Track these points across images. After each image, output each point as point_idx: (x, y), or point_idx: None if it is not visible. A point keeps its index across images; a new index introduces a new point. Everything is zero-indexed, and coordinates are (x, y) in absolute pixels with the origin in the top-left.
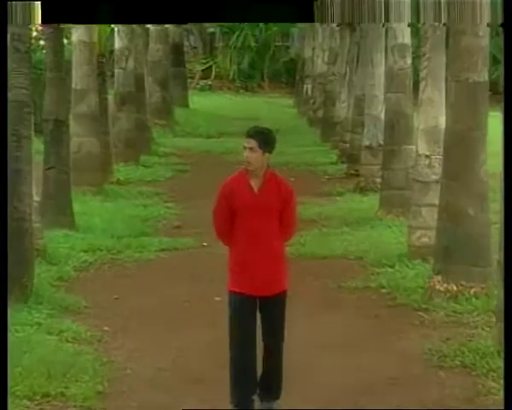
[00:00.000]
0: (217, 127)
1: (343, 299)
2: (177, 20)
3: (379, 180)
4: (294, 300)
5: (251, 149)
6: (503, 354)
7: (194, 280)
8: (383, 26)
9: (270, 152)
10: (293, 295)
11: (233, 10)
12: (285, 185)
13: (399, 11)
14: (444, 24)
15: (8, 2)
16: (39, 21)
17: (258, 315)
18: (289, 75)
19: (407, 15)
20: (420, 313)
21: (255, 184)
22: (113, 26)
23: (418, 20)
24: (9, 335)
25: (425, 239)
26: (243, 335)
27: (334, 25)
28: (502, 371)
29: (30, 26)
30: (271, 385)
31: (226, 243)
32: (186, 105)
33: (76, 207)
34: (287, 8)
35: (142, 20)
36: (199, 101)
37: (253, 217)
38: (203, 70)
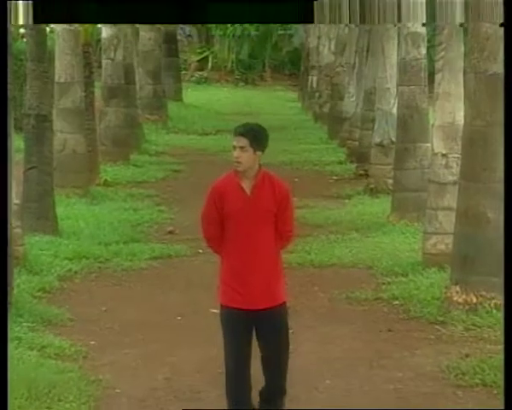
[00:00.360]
0: (213, 123)
1: (352, 311)
2: (171, 20)
3: (391, 181)
4: (299, 312)
5: (241, 148)
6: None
7: (190, 291)
8: (395, 25)
9: (262, 151)
10: (298, 306)
11: (227, 11)
12: (280, 185)
13: (413, 10)
14: (461, 24)
15: (8, 2)
16: (30, 21)
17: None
18: (293, 66)
19: (421, 15)
20: (436, 327)
21: (247, 185)
22: None
23: (434, 20)
24: None
25: (441, 246)
26: (238, 351)
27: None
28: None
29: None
30: (274, 399)
31: (216, 251)
32: (180, 99)
33: (60, 210)
34: (286, 7)
35: (133, 20)
36: (194, 94)
37: (245, 222)
38: (199, 61)
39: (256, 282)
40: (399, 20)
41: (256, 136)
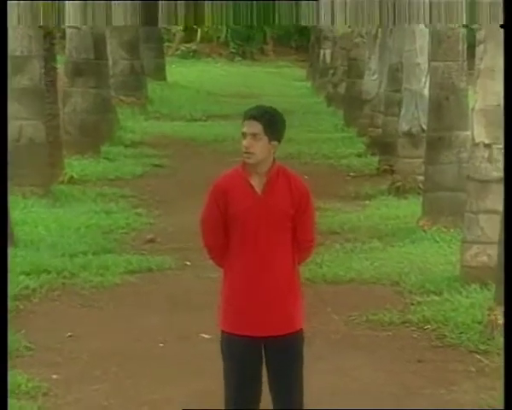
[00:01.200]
0: (204, 107)
1: (373, 337)
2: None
3: (421, 178)
4: (309, 338)
5: (254, 135)
6: None
7: (174, 312)
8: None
9: (278, 141)
10: (308, 332)
11: None
12: (299, 184)
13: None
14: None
15: (8, 2)
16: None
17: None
18: (300, 37)
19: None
20: (477, 357)
21: (258, 183)
22: None
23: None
24: None
25: (483, 257)
26: (243, 388)
27: None
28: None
29: None
30: None
31: (219, 264)
32: (162, 77)
33: (14, 214)
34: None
35: None
36: (180, 71)
37: (255, 228)
38: (185, 30)
39: (268, 303)
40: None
41: (272, 121)
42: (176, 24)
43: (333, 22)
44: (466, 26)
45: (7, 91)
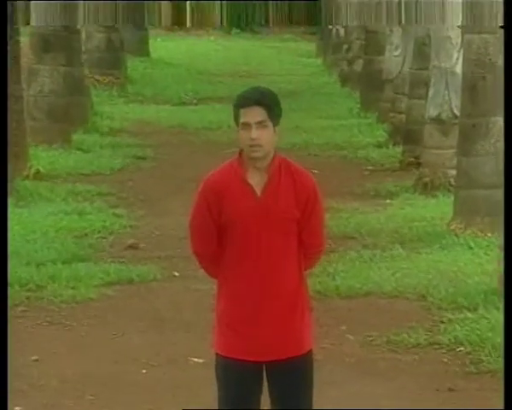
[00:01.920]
0: (195, 88)
1: (395, 361)
2: None
3: (453, 173)
4: (320, 362)
5: (260, 124)
6: None
7: (160, 331)
8: None
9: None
10: (319, 354)
11: None
12: (305, 180)
13: None
14: None
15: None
16: None
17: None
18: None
19: None
20: None
21: (257, 180)
22: None
23: None
24: None
25: None
26: None
27: None
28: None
29: None
30: None
31: (211, 275)
32: (145, 53)
33: None
34: None
35: None
36: (166, 46)
37: (254, 235)
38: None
39: (271, 321)
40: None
41: (275, 103)
42: None
43: None
44: None
45: (7, 91)
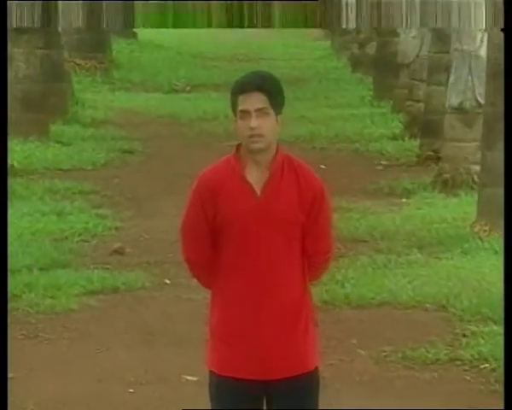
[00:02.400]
0: (188, 74)
1: (413, 380)
2: None
3: (477, 168)
4: (328, 380)
5: (260, 111)
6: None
7: (149, 346)
8: None
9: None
10: (326, 371)
11: None
12: (310, 178)
13: None
14: None
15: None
16: None
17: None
18: None
19: None
20: None
21: (257, 177)
22: None
23: None
24: None
25: None
26: None
27: None
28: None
29: None
30: None
31: (204, 284)
32: (132, 34)
33: None
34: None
35: None
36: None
37: (253, 241)
38: None
39: (272, 336)
40: None
41: (277, 89)
42: None
43: None
44: None
45: (7, 90)
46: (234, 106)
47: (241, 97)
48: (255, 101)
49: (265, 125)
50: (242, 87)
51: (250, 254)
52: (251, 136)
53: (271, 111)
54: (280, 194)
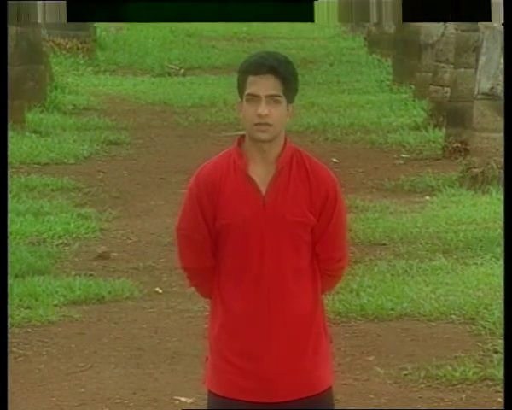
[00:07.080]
0: (182, 55)
1: (438, 401)
2: None
3: None
4: (342, 401)
5: (272, 98)
6: None
7: (138, 363)
8: None
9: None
10: (340, 391)
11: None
12: (322, 174)
13: None
14: None
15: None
16: None
17: None
18: None
19: None
20: None
21: (262, 174)
22: None
23: None
24: None
25: None
26: None
27: None
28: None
29: None
30: None
31: (204, 295)
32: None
33: None
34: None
35: None
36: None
37: (257, 243)
38: None
39: (279, 354)
40: None
41: (291, 75)
42: None
43: None
44: None
45: (7, 90)
46: (241, 86)
47: (251, 78)
48: (267, 85)
49: (275, 114)
50: (255, 67)
51: (253, 261)
52: (257, 123)
53: (283, 100)
54: (288, 193)
